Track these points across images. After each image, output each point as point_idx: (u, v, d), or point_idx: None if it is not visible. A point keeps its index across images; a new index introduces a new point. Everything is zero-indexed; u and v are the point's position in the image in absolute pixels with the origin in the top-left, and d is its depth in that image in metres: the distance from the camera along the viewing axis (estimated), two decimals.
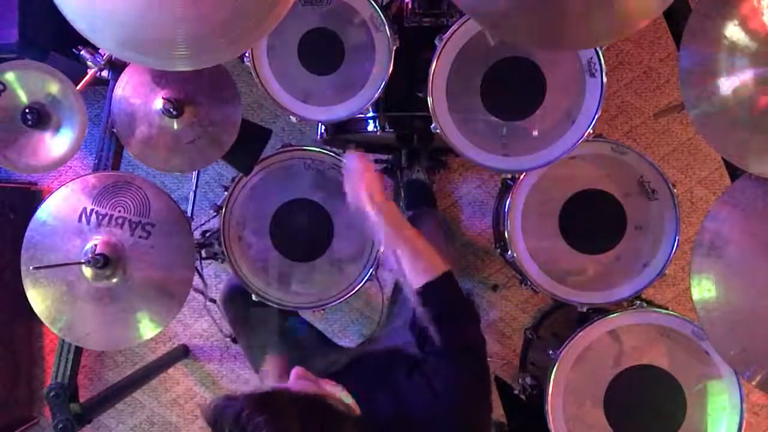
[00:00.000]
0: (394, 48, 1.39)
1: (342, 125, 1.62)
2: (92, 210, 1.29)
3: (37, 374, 2.35)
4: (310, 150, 1.50)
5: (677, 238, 1.49)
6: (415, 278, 1.11)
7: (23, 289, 1.30)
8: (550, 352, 1.52)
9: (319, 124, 1.70)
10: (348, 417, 0.87)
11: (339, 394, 0.90)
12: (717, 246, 1.28)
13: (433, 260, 1.11)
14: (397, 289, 1.57)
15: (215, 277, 2.29)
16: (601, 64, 1.36)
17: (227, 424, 0.77)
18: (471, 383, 1.00)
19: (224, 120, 1.32)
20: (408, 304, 1.21)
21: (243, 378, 2.32)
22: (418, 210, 1.98)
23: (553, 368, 1.48)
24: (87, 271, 1.28)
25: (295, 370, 0.92)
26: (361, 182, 1.14)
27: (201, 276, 1.88)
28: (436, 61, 1.37)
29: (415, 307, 1.11)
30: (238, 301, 1.55)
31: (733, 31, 1.15)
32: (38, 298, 1.30)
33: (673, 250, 1.50)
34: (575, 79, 1.39)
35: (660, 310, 1.49)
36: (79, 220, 1.29)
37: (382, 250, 1.47)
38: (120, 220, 1.29)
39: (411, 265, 1.11)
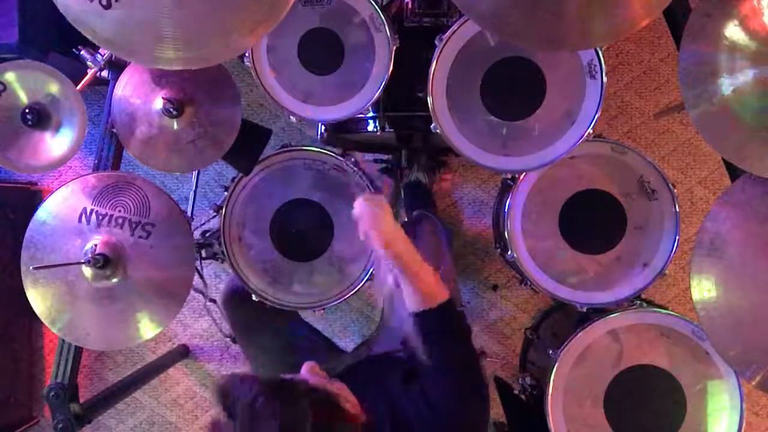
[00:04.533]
0: (394, 48, 1.39)
1: (342, 125, 1.62)
2: (92, 210, 1.29)
3: (37, 374, 2.35)
4: (310, 150, 1.50)
5: (677, 238, 1.49)
6: (411, 304, 1.11)
7: (23, 289, 1.29)
8: (550, 352, 1.52)
9: (319, 124, 1.70)
10: (356, 422, 0.86)
11: (348, 397, 0.90)
12: (717, 246, 1.28)
13: (432, 291, 1.10)
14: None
15: (215, 277, 2.29)
16: (601, 66, 1.36)
17: (240, 406, 0.77)
18: (466, 396, 1.01)
19: (224, 120, 1.32)
20: (402, 313, 1.22)
21: None
22: (417, 212, 1.98)
23: (553, 368, 1.48)
24: (87, 271, 1.28)
25: (307, 365, 0.91)
26: (367, 227, 1.11)
27: (201, 276, 1.88)
28: (436, 61, 1.37)
29: (408, 327, 1.11)
30: (239, 302, 1.55)
31: (733, 31, 1.15)
32: (38, 298, 1.30)
33: (673, 250, 1.49)
34: (575, 79, 1.39)
35: (660, 310, 1.49)
36: (79, 220, 1.29)
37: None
38: (120, 220, 1.29)
39: (409, 293, 1.11)
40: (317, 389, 0.86)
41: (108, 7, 1.03)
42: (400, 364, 1.25)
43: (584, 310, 1.54)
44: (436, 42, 1.38)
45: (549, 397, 1.47)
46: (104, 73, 1.37)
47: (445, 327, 1.08)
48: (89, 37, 1.07)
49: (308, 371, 0.92)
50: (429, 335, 1.06)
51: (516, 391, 1.87)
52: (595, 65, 1.37)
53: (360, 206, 1.11)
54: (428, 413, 0.97)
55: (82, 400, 1.52)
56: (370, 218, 1.09)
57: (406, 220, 1.98)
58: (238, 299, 1.55)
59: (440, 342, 1.06)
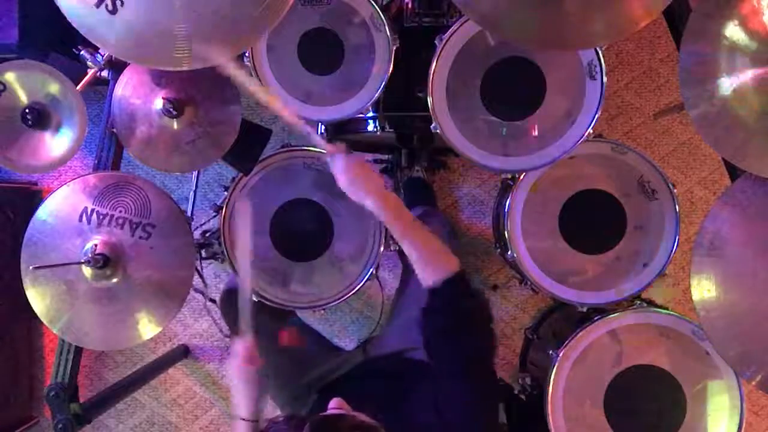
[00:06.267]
0: (394, 48, 1.39)
1: (342, 125, 1.62)
2: (93, 210, 1.29)
3: (37, 374, 2.35)
4: (310, 150, 1.49)
5: (677, 238, 1.49)
6: (424, 277, 1.06)
7: (23, 288, 1.29)
8: (550, 352, 1.52)
9: (319, 124, 1.69)
10: None
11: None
12: (717, 246, 1.28)
13: (442, 259, 1.05)
14: (400, 288, 1.57)
15: (215, 277, 2.29)
16: (601, 67, 1.36)
17: None
18: (476, 403, 0.98)
19: (224, 120, 1.32)
20: (415, 303, 1.19)
21: None
22: (419, 209, 1.98)
23: (553, 368, 1.48)
24: (87, 271, 1.28)
25: (335, 401, 0.88)
26: (354, 185, 1.07)
27: (201, 276, 1.88)
28: (436, 61, 1.37)
29: (425, 309, 1.06)
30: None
31: (733, 31, 1.15)
32: (38, 298, 1.30)
33: (673, 250, 1.49)
34: (575, 79, 1.39)
35: (660, 310, 1.49)
36: (80, 219, 1.29)
37: (382, 250, 1.48)
38: (121, 221, 1.29)
39: (419, 264, 1.06)
40: (364, 423, 0.83)
41: (114, 12, 1.03)
42: (408, 366, 1.25)
43: (584, 310, 1.54)
44: (436, 42, 1.38)
45: (549, 397, 1.47)
46: (104, 73, 1.37)
47: (460, 310, 1.02)
48: (100, 45, 1.08)
49: (336, 407, 0.88)
50: (444, 330, 1.01)
51: (516, 391, 1.87)
52: (595, 65, 1.37)
53: (339, 163, 1.07)
54: (436, 418, 0.95)
55: (82, 400, 1.52)
56: (357, 166, 1.06)
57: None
58: (237, 299, 1.55)
59: (454, 337, 1.00)
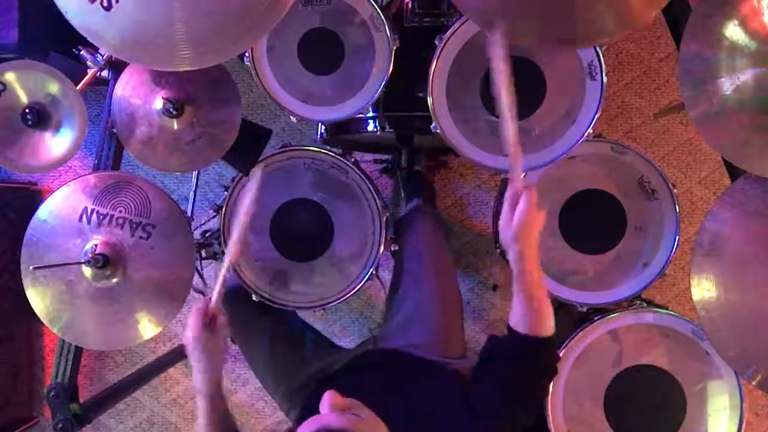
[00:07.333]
0: (394, 48, 1.39)
1: (342, 125, 1.62)
2: (93, 210, 1.29)
3: (37, 374, 2.35)
4: (310, 150, 1.49)
5: (677, 238, 1.49)
6: (517, 322, 1.09)
7: (23, 288, 1.29)
8: None
9: (319, 124, 1.70)
10: None
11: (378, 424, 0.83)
12: (717, 246, 1.28)
13: (546, 322, 1.10)
14: (394, 286, 1.57)
15: (215, 277, 2.29)
16: (601, 67, 1.36)
17: None
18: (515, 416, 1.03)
19: (224, 120, 1.32)
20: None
21: (243, 378, 2.32)
22: (416, 202, 1.97)
23: None
24: (87, 271, 1.28)
25: (329, 395, 0.80)
26: (529, 228, 1.02)
27: (201, 276, 1.88)
28: (436, 61, 1.37)
29: (501, 342, 1.10)
30: (238, 302, 1.55)
31: (733, 31, 1.15)
32: (38, 298, 1.30)
33: (673, 250, 1.49)
34: (575, 79, 1.39)
35: (660, 310, 1.49)
36: (80, 219, 1.29)
37: (382, 250, 1.48)
38: (121, 221, 1.29)
39: (525, 313, 1.08)
40: None
41: (109, 8, 1.03)
42: (413, 362, 1.25)
43: (584, 310, 1.54)
44: (436, 42, 1.38)
45: (549, 397, 1.47)
46: (104, 73, 1.37)
47: (530, 375, 1.08)
48: (94, 42, 1.08)
49: (331, 403, 0.79)
50: (512, 358, 1.06)
51: None
52: (595, 66, 1.37)
53: (530, 204, 1.02)
54: (468, 424, 0.98)
55: (82, 400, 1.51)
56: (531, 220, 1.02)
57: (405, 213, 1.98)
58: (237, 299, 1.55)
59: (519, 370, 1.06)
